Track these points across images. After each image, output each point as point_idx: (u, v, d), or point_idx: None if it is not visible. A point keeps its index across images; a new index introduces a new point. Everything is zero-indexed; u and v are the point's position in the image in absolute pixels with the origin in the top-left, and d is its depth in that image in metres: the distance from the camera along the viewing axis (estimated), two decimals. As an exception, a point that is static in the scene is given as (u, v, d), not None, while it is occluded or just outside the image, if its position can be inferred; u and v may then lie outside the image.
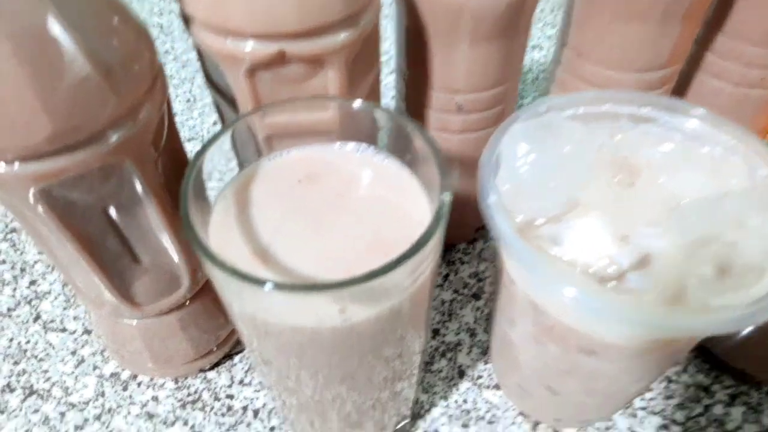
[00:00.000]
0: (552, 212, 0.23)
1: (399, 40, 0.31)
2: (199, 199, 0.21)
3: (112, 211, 0.24)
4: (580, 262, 0.22)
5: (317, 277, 0.19)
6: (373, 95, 0.29)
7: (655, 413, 0.33)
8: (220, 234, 0.21)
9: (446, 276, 0.39)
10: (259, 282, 0.16)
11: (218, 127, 0.52)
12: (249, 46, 0.22)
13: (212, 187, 0.22)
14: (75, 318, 0.38)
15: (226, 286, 0.19)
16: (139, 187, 0.23)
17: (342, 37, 0.23)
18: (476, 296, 0.38)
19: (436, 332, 0.36)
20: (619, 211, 0.24)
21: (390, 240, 0.21)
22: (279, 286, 0.16)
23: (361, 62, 0.26)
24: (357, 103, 0.23)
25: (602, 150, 0.25)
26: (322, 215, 0.21)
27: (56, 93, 0.19)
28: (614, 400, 0.28)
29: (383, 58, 0.52)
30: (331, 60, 0.23)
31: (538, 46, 0.59)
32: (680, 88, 0.37)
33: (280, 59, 0.23)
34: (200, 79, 0.58)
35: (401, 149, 0.23)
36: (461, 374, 0.34)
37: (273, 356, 0.22)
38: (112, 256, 0.26)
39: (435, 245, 0.20)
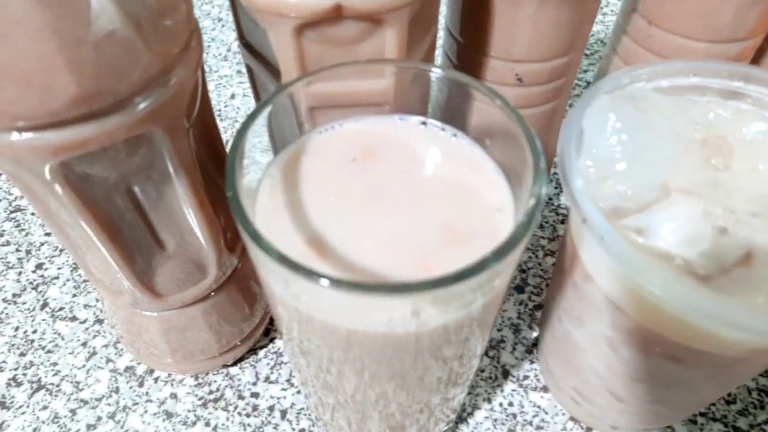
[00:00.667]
0: (644, 199, 0.20)
1: (453, 1, 0.28)
2: (241, 178, 0.19)
3: (137, 190, 0.21)
4: (677, 257, 0.20)
5: (382, 272, 0.17)
6: (429, 59, 0.26)
7: (716, 419, 0.30)
8: (268, 217, 0.18)
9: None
10: (322, 278, 0.13)
11: (236, 101, 0.49)
12: None
13: (246, 166, 0.19)
14: (86, 306, 0.35)
15: (274, 277, 0.16)
16: (169, 162, 0.20)
17: (405, -10, 0.20)
18: (519, 289, 0.36)
19: (478, 327, 0.34)
20: (715, 198, 0.21)
21: (464, 228, 0.18)
22: (346, 285, 0.14)
23: (420, 22, 0.23)
24: (429, 68, 0.20)
25: (695, 127, 0.22)
26: (383, 197, 0.19)
27: (81, 47, 0.16)
28: (686, 409, 0.26)
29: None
30: (392, 18, 0.21)
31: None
32: (754, 62, 0.34)
33: (334, 15, 0.20)
34: (215, 47, 0.55)
35: (475, 124, 0.20)
36: (505, 374, 0.32)
37: (314, 347, 0.20)
38: (134, 240, 0.23)
39: (525, 242, 0.17)
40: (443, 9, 0.30)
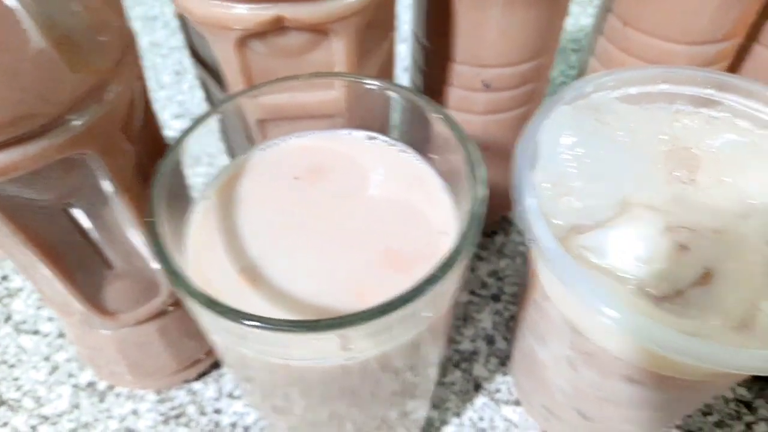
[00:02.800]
0: (601, 215, 0.20)
1: (417, 4, 0.27)
2: (178, 199, 0.18)
3: (77, 210, 0.21)
4: (632, 277, 0.19)
5: (317, 304, 0.17)
6: (386, 70, 0.26)
7: (692, 432, 0.30)
8: (200, 244, 0.18)
9: (462, 274, 0.36)
10: (238, 316, 0.13)
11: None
12: (239, 10, 0.19)
13: (198, 184, 0.19)
14: (49, 319, 0.35)
15: (197, 313, 0.16)
16: (107, 183, 0.20)
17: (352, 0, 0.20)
18: (495, 298, 0.35)
19: (449, 340, 0.34)
20: (677, 214, 0.21)
21: (405, 254, 0.18)
22: (262, 323, 0.14)
23: (373, 30, 0.23)
24: (369, 81, 0.20)
25: (660, 139, 0.22)
26: (325, 220, 0.19)
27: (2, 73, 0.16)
28: (654, 426, 0.26)
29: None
30: (339, 28, 0.20)
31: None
32: (736, 62, 0.34)
33: (277, 26, 0.20)
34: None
35: (421, 138, 0.20)
36: (477, 387, 0.32)
37: (254, 375, 0.20)
38: (79, 260, 0.23)
39: (465, 262, 0.17)
40: (410, 14, 0.29)
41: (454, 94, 0.29)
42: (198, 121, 0.19)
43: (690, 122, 0.23)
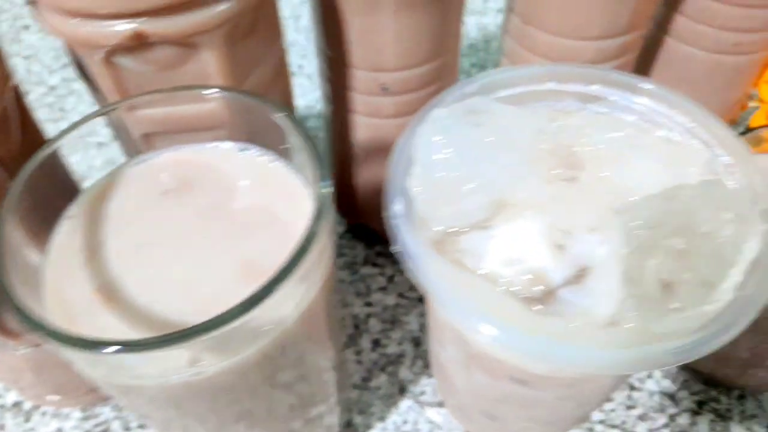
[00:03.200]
0: (472, 218, 0.20)
1: (313, 10, 0.27)
2: (38, 220, 0.18)
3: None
4: (505, 279, 0.19)
5: (173, 317, 0.17)
6: (279, 80, 0.26)
7: (614, 426, 0.31)
8: (60, 264, 0.18)
9: (391, 277, 0.36)
10: (61, 339, 0.13)
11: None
12: (98, 27, 0.19)
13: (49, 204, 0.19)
14: (-29, 340, 0.35)
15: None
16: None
17: (217, 10, 0.20)
18: (423, 300, 0.35)
19: (376, 343, 0.34)
20: (556, 212, 0.21)
21: (267, 266, 0.18)
22: (98, 346, 0.13)
23: (253, 39, 0.22)
24: (208, 91, 0.20)
25: (539, 138, 0.22)
26: (188, 235, 0.18)
27: None
28: (560, 425, 0.26)
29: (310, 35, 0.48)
30: (205, 40, 0.20)
31: (479, 11, 0.55)
32: (647, 55, 0.34)
33: (139, 42, 0.20)
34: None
35: (285, 147, 0.20)
36: (402, 390, 0.32)
37: (145, 411, 0.20)
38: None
39: (318, 259, 0.17)
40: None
41: (359, 99, 0.28)
42: (59, 137, 0.18)
43: (574, 120, 0.23)
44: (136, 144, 0.23)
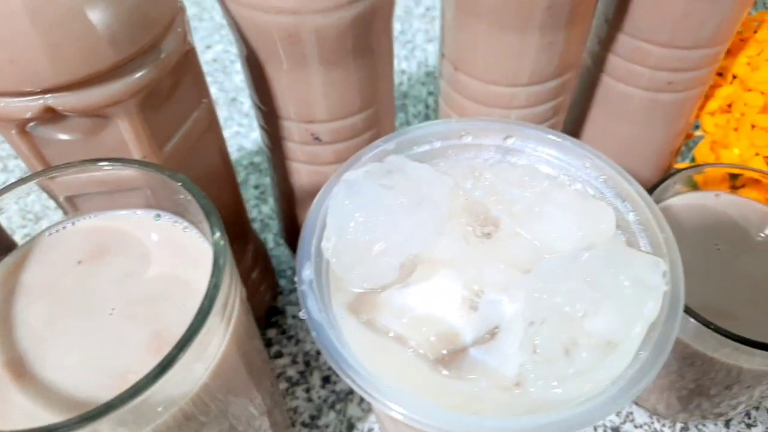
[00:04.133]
0: (384, 279, 0.21)
1: (242, 66, 0.28)
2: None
3: None
4: (415, 341, 0.20)
5: (84, 394, 0.17)
6: (209, 134, 0.26)
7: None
8: (-32, 340, 0.18)
9: (342, 313, 0.37)
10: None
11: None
12: (7, 104, 0.19)
13: None
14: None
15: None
16: None
17: (128, 81, 0.20)
18: (374, 335, 0.36)
19: (326, 380, 0.34)
20: (469, 271, 0.21)
21: (175, 338, 0.18)
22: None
23: (172, 103, 0.23)
24: (103, 164, 0.20)
25: (454, 194, 0.23)
26: (104, 305, 0.19)
27: None
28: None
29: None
30: (116, 111, 0.20)
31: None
32: (587, 93, 0.35)
33: (50, 116, 0.20)
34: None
35: (188, 213, 0.20)
36: (350, 428, 0.32)
37: None
38: None
39: (222, 316, 0.18)
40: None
41: (295, 147, 0.29)
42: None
43: (489, 176, 0.23)
44: (62, 206, 0.23)
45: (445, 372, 0.19)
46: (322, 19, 0.23)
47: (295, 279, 0.20)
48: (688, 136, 0.40)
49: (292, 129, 0.28)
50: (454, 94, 0.30)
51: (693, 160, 0.39)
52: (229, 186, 0.29)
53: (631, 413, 0.32)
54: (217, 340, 0.18)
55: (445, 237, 0.22)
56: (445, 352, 0.20)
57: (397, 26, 0.57)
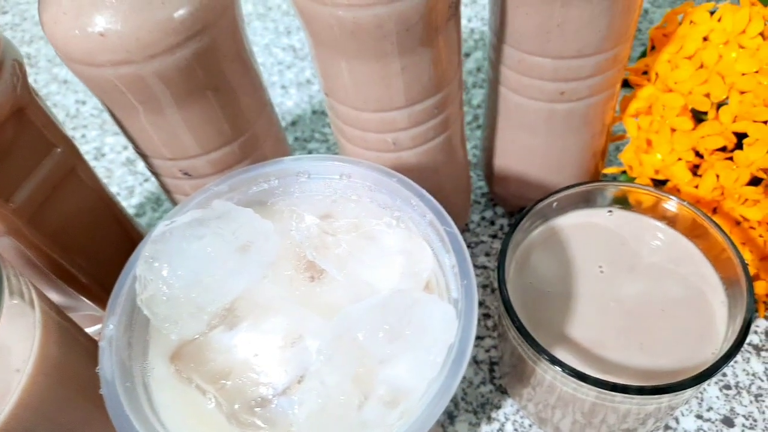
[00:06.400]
0: (193, 330, 0.21)
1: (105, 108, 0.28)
2: None
3: None
4: (209, 392, 0.20)
5: None
6: (73, 181, 0.27)
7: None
8: None
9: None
10: None
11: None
12: None
13: None
14: None
15: None
16: None
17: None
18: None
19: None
20: (291, 316, 0.21)
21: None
22: None
23: (18, 153, 0.24)
24: None
25: (279, 238, 0.22)
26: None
27: None
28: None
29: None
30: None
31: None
32: (494, 105, 0.33)
33: None
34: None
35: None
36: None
37: None
38: None
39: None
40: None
41: (169, 182, 0.29)
42: None
43: (314, 219, 0.23)
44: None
45: (240, 424, 0.20)
46: (159, 63, 0.24)
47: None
48: (619, 138, 0.37)
49: (162, 165, 0.28)
50: (337, 120, 0.30)
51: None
52: (112, 222, 0.30)
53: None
54: None
55: (268, 282, 0.22)
56: (237, 406, 0.20)
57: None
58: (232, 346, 0.21)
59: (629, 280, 0.26)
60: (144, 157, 0.29)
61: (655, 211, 0.28)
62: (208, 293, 0.21)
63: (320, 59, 0.27)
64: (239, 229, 0.22)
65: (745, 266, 0.25)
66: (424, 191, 0.22)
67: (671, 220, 0.28)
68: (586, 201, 0.29)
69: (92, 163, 0.41)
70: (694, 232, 0.27)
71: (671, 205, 0.28)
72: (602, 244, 0.28)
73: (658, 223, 0.28)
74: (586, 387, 0.23)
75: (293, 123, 0.49)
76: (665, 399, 0.23)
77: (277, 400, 0.20)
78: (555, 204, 0.28)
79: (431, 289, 0.21)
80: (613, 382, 0.22)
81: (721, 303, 0.25)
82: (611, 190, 0.28)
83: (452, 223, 0.21)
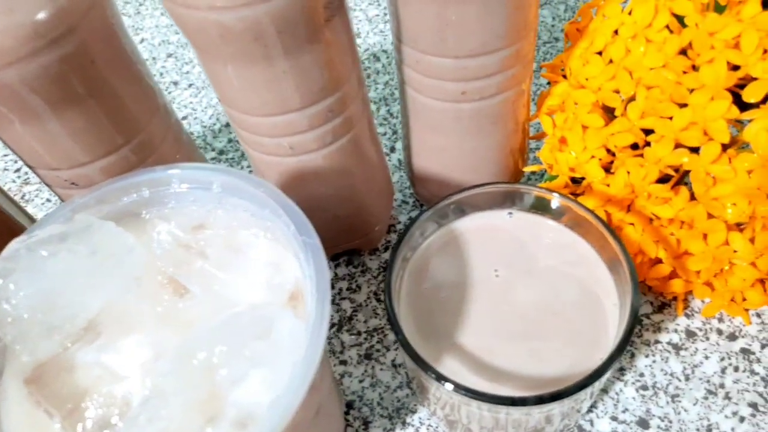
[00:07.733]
0: (46, 350, 0.20)
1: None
2: None
3: None
4: (55, 416, 0.19)
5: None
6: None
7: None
8: None
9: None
10: None
11: None
12: None
13: None
14: None
15: None
16: None
17: None
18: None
19: None
20: (150, 334, 0.21)
21: None
22: None
23: None
24: None
25: (141, 253, 0.22)
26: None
27: None
28: None
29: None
30: None
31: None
32: (405, 105, 0.32)
33: None
34: None
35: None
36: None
37: None
38: None
39: None
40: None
41: (61, 192, 0.29)
42: None
43: (177, 232, 0.22)
44: None
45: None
46: (21, 69, 0.23)
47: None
48: (541, 136, 0.37)
49: (47, 176, 0.27)
50: (238, 129, 0.29)
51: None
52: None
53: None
54: None
55: (132, 297, 0.21)
56: (106, 421, 0.19)
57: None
58: (83, 366, 0.20)
59: (524, 284, 0.26)
60: (31, 168, 0.28)
61: (552, 213, 0.27)
62: (59, 311, 0.20)
63: (204, 64, 0.26)
64: (99, 243, 0.21)
65: (628, 258, 0.24)
66: (288, 201, 0.21)
67: (568, 221, 0.27)
68: (486, 203, 0.28)
69: None
70: (589, 233, 0.26)
71: (565, 204, 0.27)
72: (500, 247, 0.27)
73: (556, 225, 0.27)
74: (474, 401, 0.22)
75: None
76: (554, 406, 0.23)
77: (121, 424, 0.19)
78: (453, 206, 0.27)
79: (297, 300, 0.21)
80: (491, 394, 0.21)
81: (614, 305, 0.25)
82: (510, 192, 0.28)
83: (314, 233, 0.20)
